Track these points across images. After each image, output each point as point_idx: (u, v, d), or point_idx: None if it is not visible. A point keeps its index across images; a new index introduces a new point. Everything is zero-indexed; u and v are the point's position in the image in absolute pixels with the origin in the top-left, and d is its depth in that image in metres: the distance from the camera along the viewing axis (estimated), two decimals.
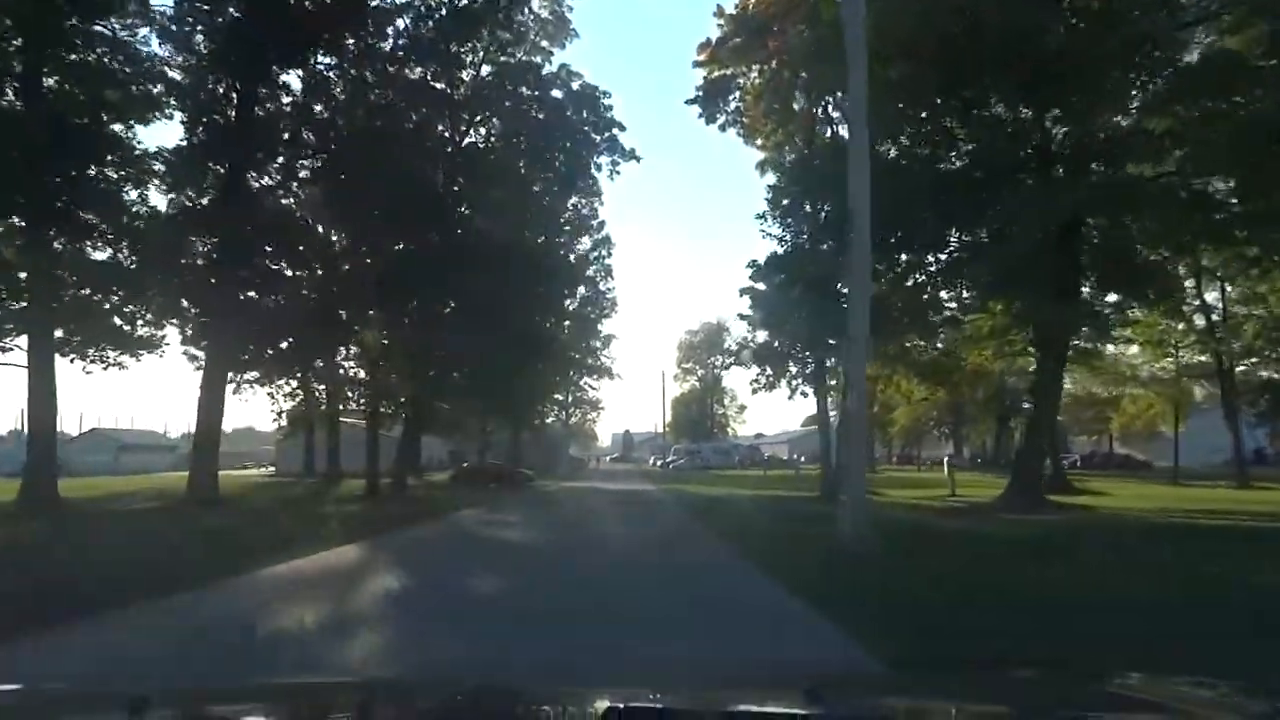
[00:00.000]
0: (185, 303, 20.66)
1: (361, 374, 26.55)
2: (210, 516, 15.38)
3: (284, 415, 34.64)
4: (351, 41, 20.68)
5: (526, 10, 24.54)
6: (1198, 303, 28.63)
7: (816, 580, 7.57)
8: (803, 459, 59.93)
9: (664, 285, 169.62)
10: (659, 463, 67.01)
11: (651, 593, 7.68)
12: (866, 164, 9.80)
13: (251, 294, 21.76)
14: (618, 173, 27.06)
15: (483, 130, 25.53)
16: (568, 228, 35.69)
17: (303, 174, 22.13)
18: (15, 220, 17.54)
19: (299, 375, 29.38)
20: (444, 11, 21.33)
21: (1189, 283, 26.29)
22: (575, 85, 25.68)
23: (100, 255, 19.09)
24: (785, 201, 22.47)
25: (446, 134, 23.86)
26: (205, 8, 19.52)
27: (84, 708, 1.82)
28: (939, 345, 24.42)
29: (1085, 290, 17.29)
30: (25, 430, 21.12)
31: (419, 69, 22.43)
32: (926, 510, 17.10)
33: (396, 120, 21.48)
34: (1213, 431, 42.09)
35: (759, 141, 26.88)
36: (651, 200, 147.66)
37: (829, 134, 23.67)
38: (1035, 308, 16.10)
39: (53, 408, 18.43)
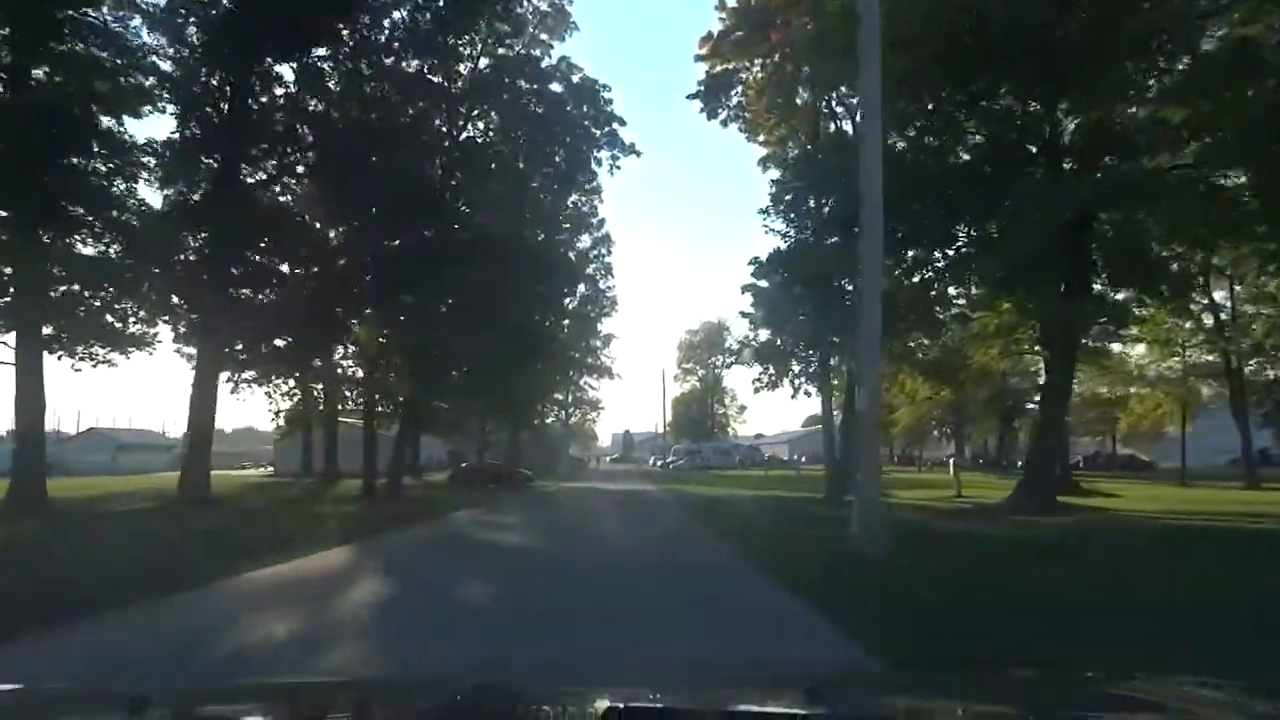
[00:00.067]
0: (176, 299, 20.26)
1: (358, 373, 26.23)
2: (200, 517, 15.02)
3: (281, 415, 34.49)
4: (346, 33, 20.29)
5: (525, 2, 24.19)
6: (1206, 301, 28.29)
7: (830, 587, 7.22)
8: (803, 459, 59.72)
9: (664, 284, 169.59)
10: (659, 463, 66.77)
11: (652, 593, 7.43)
12: (879, 155, 9.46)
13: (245, 291, 21.42)
14: (618, 167, 26.73)
15: (481, 124, 25.17)
16: (567, 225, 35.32)
17: (297, 168, 21.74)
18: (1, 213, 17.15)
19: (297, 375, 29.14)
20: (441, 2, 20.94)
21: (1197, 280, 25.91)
22: (575, 78, 25.33)
23: (89, 250, 18.68)
24: (789, 197, 22.10)
25: (444, 128, 23.47)
26: None
27: (84, 708, 1.81)
28: (944, 343, 24.08)
29: (1096, 287, 16.86)
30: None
31: (415, 62, 22.06)
32: (934, 512, 16.71)
33: (392, 114, 21.10)
34: (1216, 432, 41.74)
35: (761, 137, 26.51)
36: (651, 199, 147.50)
37: (833, 128, 23.31)
38: (1046, 304, 15.71)
39: (41, 406, 18.06)
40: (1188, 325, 28.94)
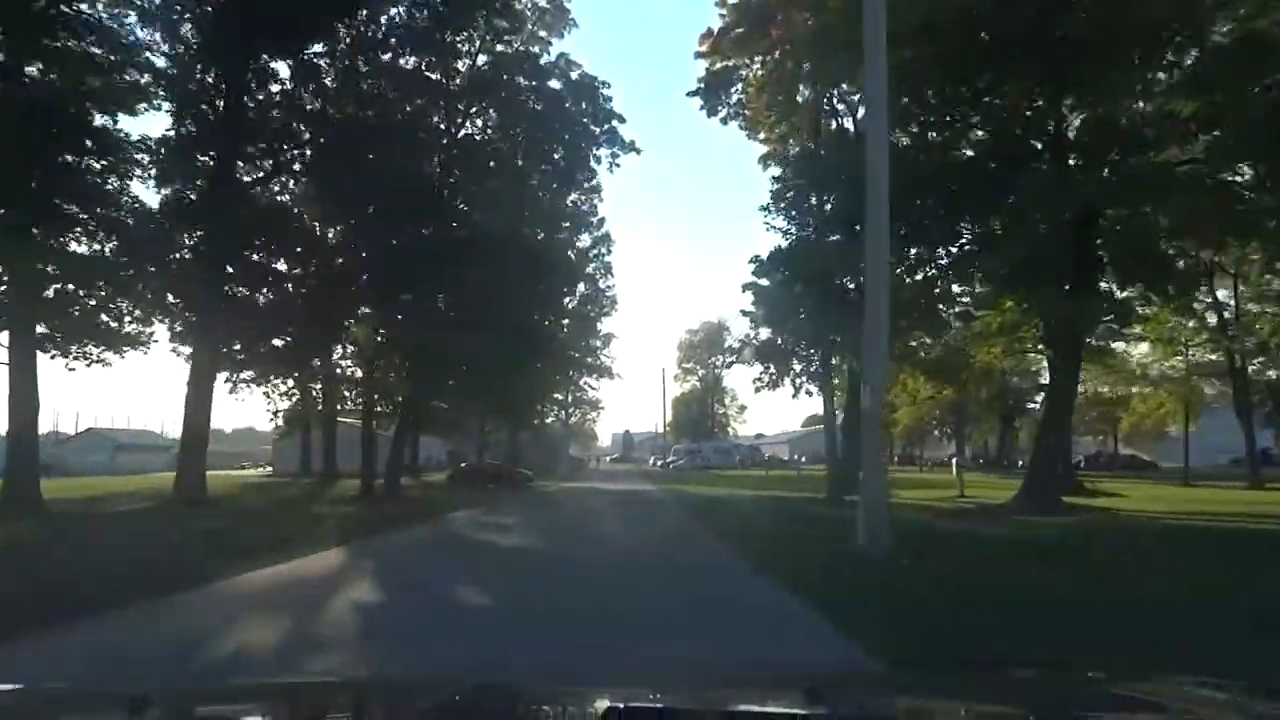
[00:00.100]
0: (172, 298, 20.07)
1: (357, 373, 26.04)
2: (193, 518, 14.84)
3: (279, 415, 34.30)
4: (343, 29, 20.09)
5: None
6: (1210, 299, 28.11)
7: (834, 587, 7.05)
8: (803, 459, 59.56)
9: (664, 284, 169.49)
10: (659, 463, 66.62)
11: (652, 594, 7.27)
12: (884, 149, 9.30)
13: (241, 290, 21.25)
14: (617, 165, 26.48)
15: (479, 122, 24.90)
16: (567, 224, 35.10)
17: (294, 166, 21.56)
18: None
19: (296, 375, 28.96)
20: None
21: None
22: (574, 75, 25.08)
23: (83, 249, 18.48)
24: (789, 195, 21.92)
25: (441, 125, 23.26)
26: None
27: (84, 708, 1.81)
28: (946, 342, 23.89)
29: (1103, 285, 16.65)
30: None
31: (413, 59, 21.87)
32: (937, 512, 16.52)
33: (390, 111, 20.90)
34: (1218, 432, 41.60)
35: (762, 135, 26.33)
36: (651, 198, 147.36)
37: (834, 125, 23.12)
38: (1051, 302, 15.51)
39: (35, 406, 17.85)
40: (1191, 324, 28.77)
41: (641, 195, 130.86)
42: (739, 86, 25.78)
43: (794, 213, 21.71)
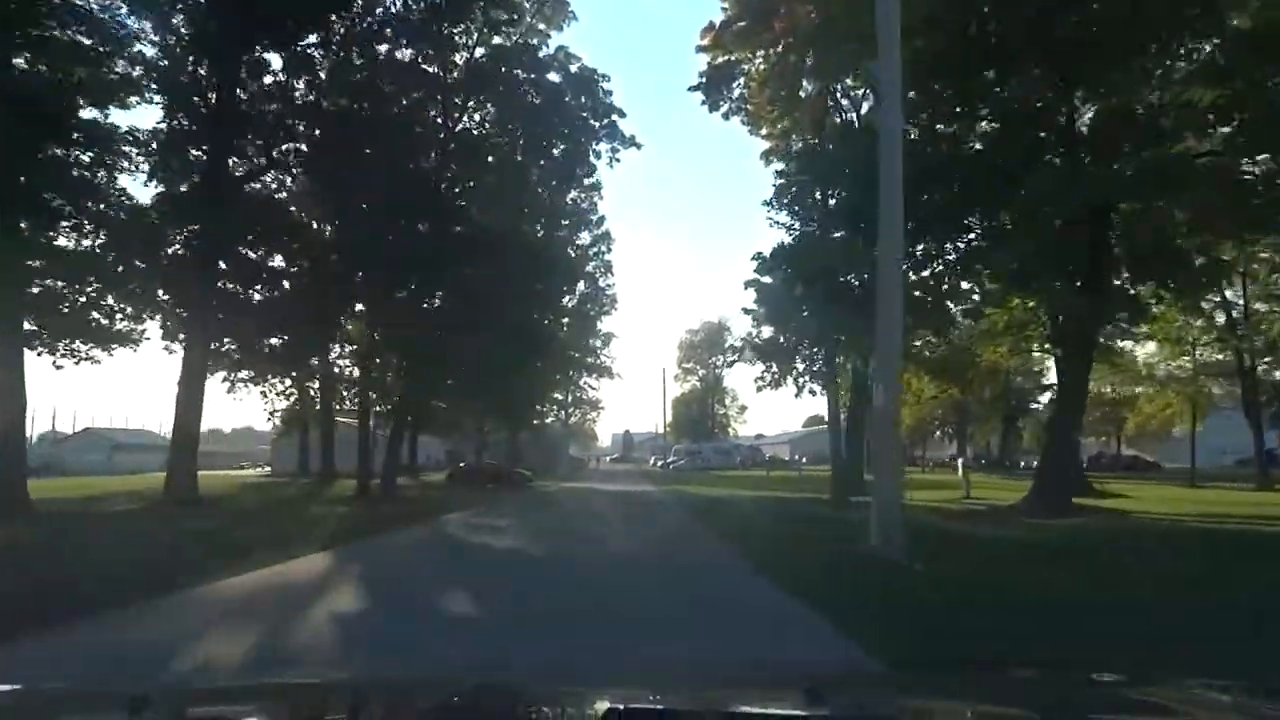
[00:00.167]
0: (162, 295, 19.71)
1: (353, 371, 25.70)
2: (182, 520, 14.44)
3: (275, 415, 33.99)
4: (338, 20, 19.73)
5: None
6: (1218, 298, 27.72)
7: (852, 596, 6.65)
8: (804, 460, 59.26)
9: (664, 284, 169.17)
10: (659, 463, 66.32)
11: (652, 596, 6.95)
12: (898, 139, 8.94)
13: (233, 286, 20.91)
14: (618, 160, 26.10)
15: (477, 116, 24.56)
16: (566, 222, 34.77)
17: (288, 160, 21.19)
18: None
19: (294, 375, 28.64)
20: None
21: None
22: (573, 68, 24.73)
23: (71, 244, 18.11)
24: (793, 190, 21.54)
25: (439, 119, 22.88)
26: None
27: (84, 708, 1.79)
28: (951, 341, 23.50)
29: (1117, 281, 16.23)
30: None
31: (409, 51, 21.49)
32: (945, 513, 16.13)
33: (385, 104, 20.52)
34: (1222, 432, 41.32)
35: (764, 130, 25.89)
36: (651, 198, 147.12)
37: (839, 120, 22.74)
38: (1063, 298, 15.11)
39: (22, 404, 17.48)
40: (1199, 323, 28.41)
41: (641, 194, 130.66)
42: (741, 81, 25.40)
43: (797, 208, 21.33)
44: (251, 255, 21.27)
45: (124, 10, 18.27)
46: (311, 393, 32.75)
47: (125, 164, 18.34)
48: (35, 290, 17.55)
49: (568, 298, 38.39)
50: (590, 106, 24.72)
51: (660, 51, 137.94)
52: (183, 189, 19.84)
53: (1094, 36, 13.23)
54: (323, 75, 20.54)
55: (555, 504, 22.81)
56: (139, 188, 18.39)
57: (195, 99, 19.58)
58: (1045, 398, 46.33)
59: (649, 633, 5.50)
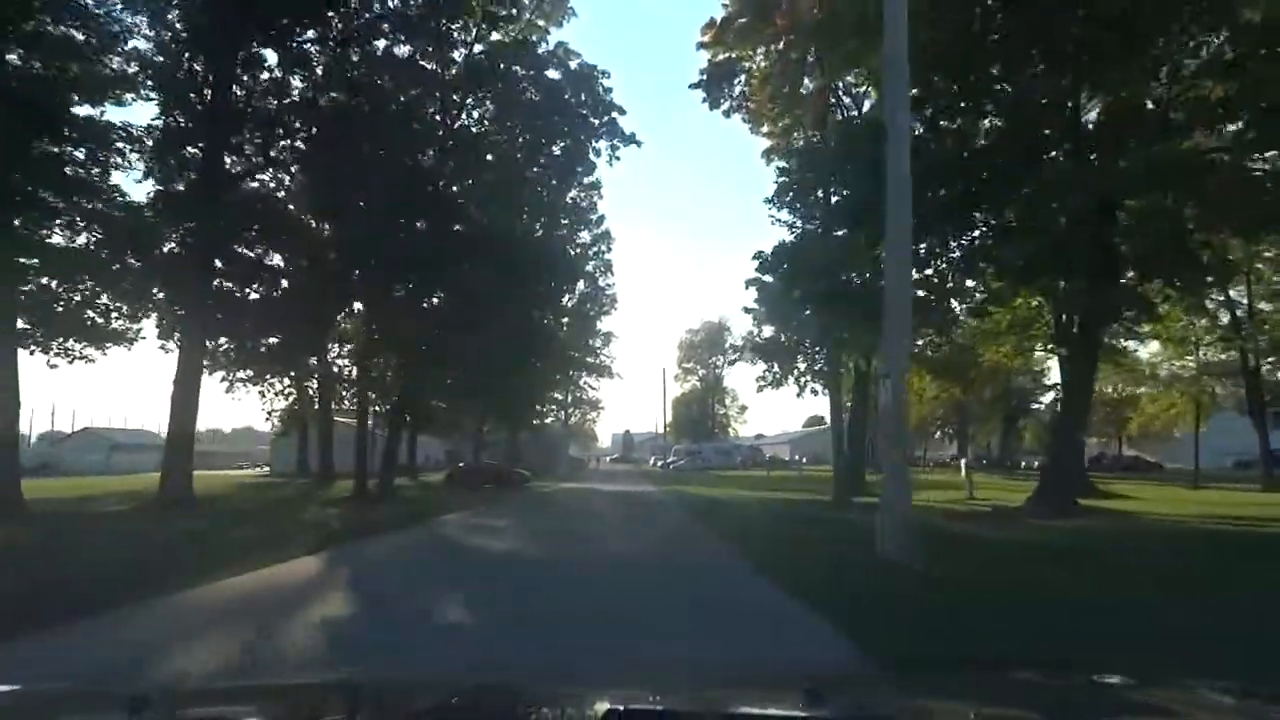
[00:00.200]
0: (159, 293, 19.48)
1: (352, 370, 25.46)
2: (174, 521, 14.22)
3: (273, 415, 33.76)
4: (334, 15, 19.50)
5: None
6: (1222, 298, 27.49)
7: (866, 605, 6.36)
8: (804, 460, 59.15)
9: (664, 284, 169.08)
10: (659, 463, 66.16)
11: (654, 604, 6.67)
12: (906, 127, 8.71)
13: (230, 285, 20.69)
14: (617, 158, 25.83)
15: (476, 113, 24.32)
16: (566, 220, 34.54)
17: (284, 158, 20.96)
18: None
19: (292, 375, 28.43)
20: None
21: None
22: (573, 64, 24.46)
23: (66, 241, 17.88)
24: (794, 187, 21.35)
25: (437, 116, 22.65)
26: None
27: (84, 708, 1.80)
28: (954, 340, 23.31)
29: (1124, 279, 15.99)
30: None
31: (407, 47, 21.26)
32: (950, 514, 15.89)
33: (383, 101, 20.29)
34: (1222, 434, 41.12)
35: (765, 128, 25.76)
36: (651, 198, 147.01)
37: (840, 116, 22.55)
38: (1070, 295, 14.88)
39: (15, 404, 17.28)
40: (1202, 323, 28.18)
41: (641, 194, 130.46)
42: (742, 78, 25.24)
43: (799, 206, 21.14)
44: (248, 253, 21.04)
45: (119, 5, 18.09)
46: (310, 392, 32.53)
47: (120, 161, 18.08)
48: (29, 288, 17.34)
49: (567, 297, 38.15)
50: (590, 103, 24.48)
51: (660, 50, 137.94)
52: (179, 187, 19.61)
53: (1100, 30, 12.99)
54: (320, 71, 20.30)
55: (554, 504, 22.59)
56: (135, 185, 18.32)
57: (191, 96, 19.36)
58: (1047, 398, 46.24)
59: (648, 644, 5.30)
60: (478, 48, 22.96)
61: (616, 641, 5.34)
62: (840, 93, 23.19)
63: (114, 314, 19.04)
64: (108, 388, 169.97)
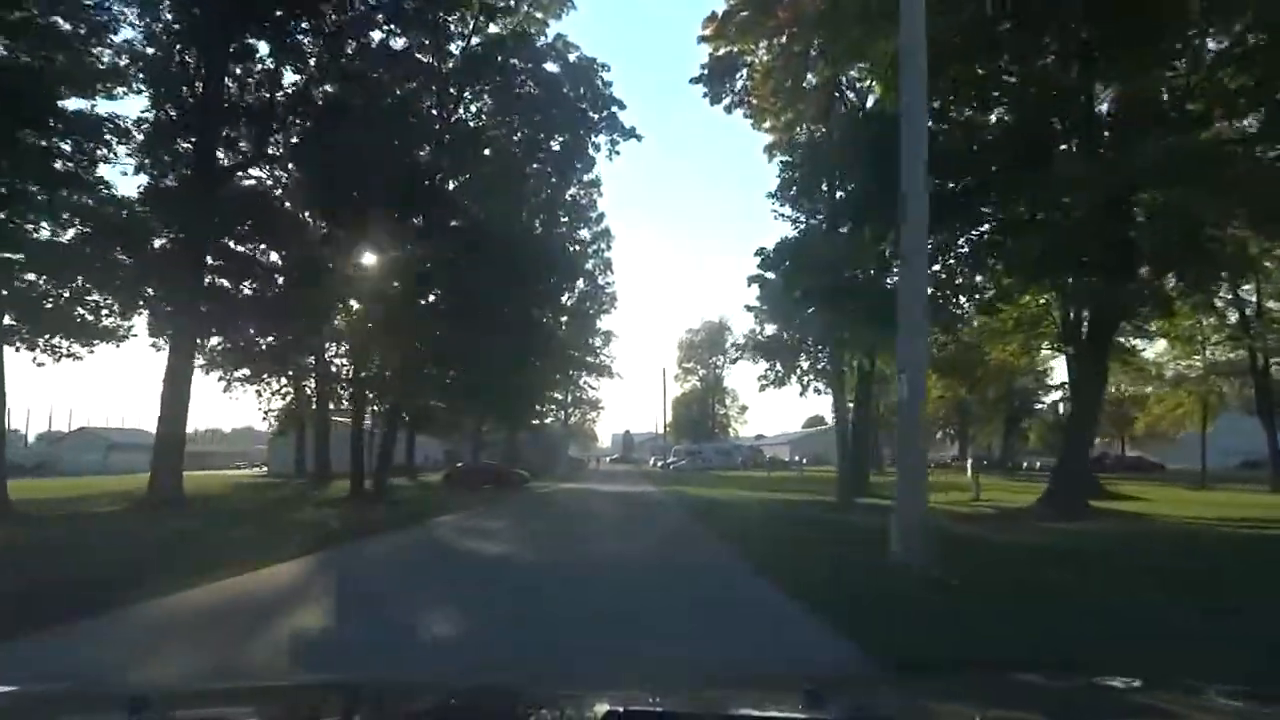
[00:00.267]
0: (149, 290, 19.11)
1: (349, 370, 25.06)
2: (161, 523, 13.82)
3: (270, 414, 33.39)
4: (328, 7, 19.12)
5: None
6: (1230, 296, 27.08)
7: (886, 613, 5.99)
8: (804, 460, 58.83)
9: (664, 283, 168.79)
10: (659, 463, 65.84)
11: (658, 615, 6.27)
12: (924, 113, 8.30)
13: (222, 281, 20.33)
14: (617, 152, 25.41)
15: (474, 107, 23.93)
16: (565, 218, 34.16)
17: (277, 151, 20.58)
18: None
19: (290, 374, 28.05)
20: None
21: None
22: (572, 57, 24.08)
23: (50, 235, 17.50)
24: (796, 182, 20.99)
25: (434, 110, 22.26)
26: None
27: (84, 708, 1.80)
28: (960, 338, 22.92)
29: (1138, 274, 15.59)
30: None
31: (403, 39, 20.88)
32: (957, 516, 15.47)
33: (379, 94, 19.91)
34: (1226, 434, 40.83)
35: (767, 123, 25.35)
36: (651, 197, 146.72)
37: (843, 109, 22.18)
38: (1084, 291, 14.47)
39: (1, 403, 16.90)
40: (1210, 321, 27.80)
41: (641, 193, 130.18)
42: (743, 73, 24.86)
43: (803, 201, 20.77)
44: (241, 249, 20.67)
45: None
46: (308, 391, 32.17)
47: (110, 154, 17.70)
48: (16, 284, 16.97)
49: (567, 295, 37.81)
50: (589, 97, 24.10)
51: (660, 48, 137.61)
52: (170, 181, 19.24)
53: (1113, 17, 12.60)
54: (313, 64, 19.92)
55: (553, 505, 22.23)
56: (126, 179, 17.95)
57: (183, 88, 19.01)
58: (1050, 398, 45.88)
59: (647, 644, 5.11)
60: (475, 40, 22.57)
61: (616, 642, 5.23)
62: (843, 87, 22.81)
63: (104, 311, 18.70)
64: (106, 387, 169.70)
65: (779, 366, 24.06)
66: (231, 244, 20.28)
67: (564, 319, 39.96)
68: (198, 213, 18.15)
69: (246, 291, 20.76)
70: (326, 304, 20.94)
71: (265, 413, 33.06)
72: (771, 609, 6.47)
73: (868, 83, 22.42)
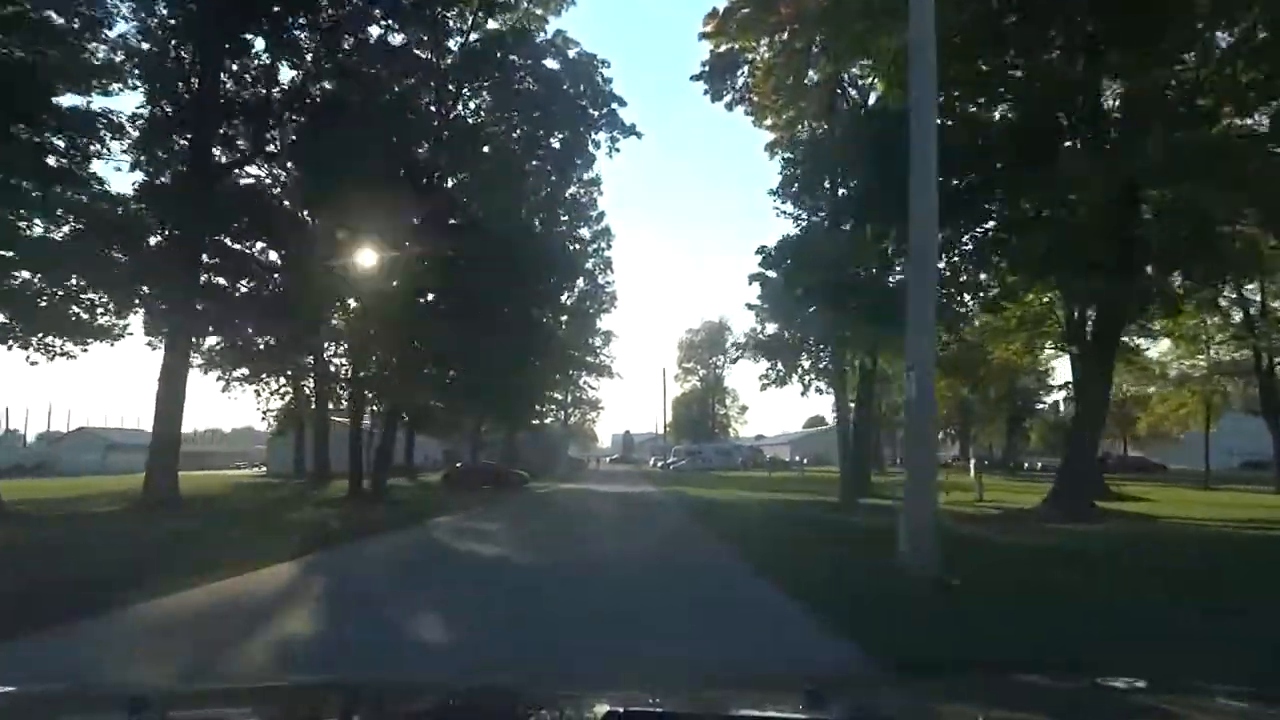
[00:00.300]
0: (143, 288, 18.93)
1: (347, 370, 24.88)
2: (154, 524, 13.63)
3: (268, 414, 33.25)
4: (325, 2, 18.94)
5: None
6: (1234, 295, 26.87)
7: (897, 620, 5.81)
8: (805, 461, 58.67)
9: (664, 283, 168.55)
10: (659, 464, 65.64)
11: (661, 624, 6.05)
12: (933, 109, 8.11)
13: (218, 279, 20.14)
14: (617, 149, 25.16)
15: (473, 104, 23.72)
16: (565, 216, 33.95)
17: (274, 148, 20.39)
18: None
19: (288, 373, 27.88)
20: None
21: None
22: (571, 53, 23.88)
23: (48, 234, 17.31)
24: (797, 180, 20.80)
25: (432, 107, 22.06)
26: None
27: (84, 708, 1.79)
28: (963, 337, 22.72)
29: (1146, 271, 15.39)
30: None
31: (401, 35, 20.67)
32: (962, 518, 15.25)
33: (377, 90, 19.71)
34: (1228, 434, 40.67)
35: (769, 121, 25.20)
36: (651, 196, 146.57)
37: (845, 105, 21.99)
38: (1091, 288, 14.27)
39: None
40: (1214, 320, 27.58)
41: (641, 193, 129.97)
42: (745, 70, 24.68)
43: (804, 199, 20.58)
44: (237, 247, 20.49)
45: None
46: (307, 391, 32.01)
47: (104, 151, 17.53)
48: (9, 282, 16.79)
49: (567, 294, 37.61)
50: (589, 94, 23.90)
51: (660, 46, 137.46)
52: (165, 178, 19.07)
53: (1121, 10, 12.41)
54: (310, 60, 19.73)
55: (553, 505, 22.06)
56: (121, 176, 17.85)
57: (179, 85, 18.83)
58: (1052, 398, 45.68)
59: (647, 644, 5.08)
60: (474, 36, 22.36)
61: (615, 643, 5.21)
62: (845, 84, 22.64)
63: (99, 309, 18.53)
64: (105, 387, 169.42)
65: (780, 366, 23.86)
66: (228, 242, 20.11)
67: (564, 319, 39.78)
68: (194, 210, 17.97)
69: (243, 290, 20.58)
70: (324, 303, 20.77)
71: (264, 413, 33.00)
72: (772, 609, 6.44)
73: (870, 79, 22.26)
